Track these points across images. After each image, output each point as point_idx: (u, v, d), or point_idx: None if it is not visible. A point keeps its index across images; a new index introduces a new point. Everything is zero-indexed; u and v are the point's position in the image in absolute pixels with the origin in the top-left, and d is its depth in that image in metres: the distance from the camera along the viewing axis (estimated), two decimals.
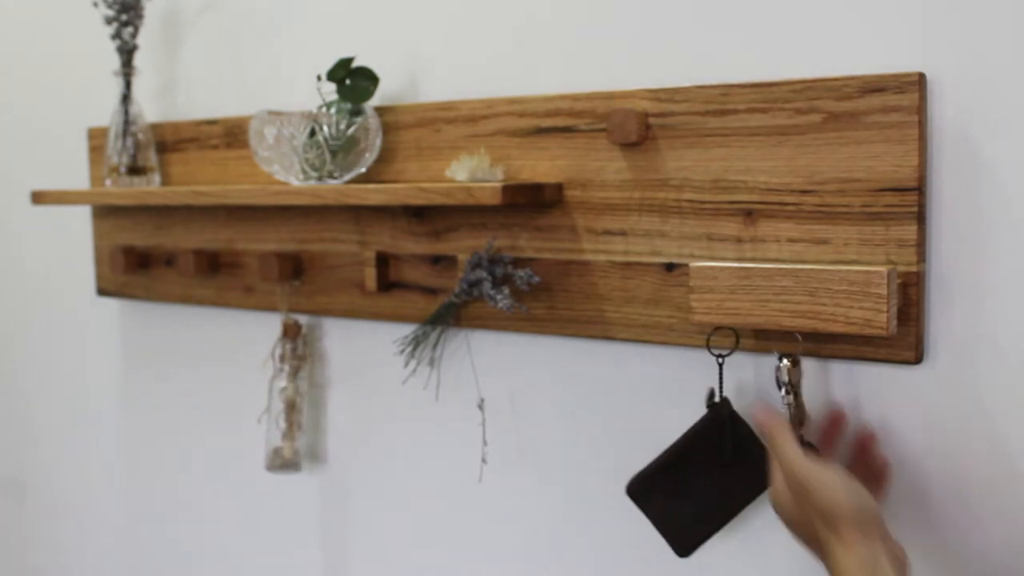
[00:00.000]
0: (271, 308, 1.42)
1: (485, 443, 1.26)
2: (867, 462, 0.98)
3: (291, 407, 1.39)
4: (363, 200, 1.17)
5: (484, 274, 1.18)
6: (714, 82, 1.05)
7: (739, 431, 1.03)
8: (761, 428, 0.97)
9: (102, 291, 1.65)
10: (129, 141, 1.49)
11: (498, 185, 1.08)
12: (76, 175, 1.69)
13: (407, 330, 1.31)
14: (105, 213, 1.62)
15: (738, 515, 1.04)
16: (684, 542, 1.05)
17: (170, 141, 1.52)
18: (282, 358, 1.39)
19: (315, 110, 1.25)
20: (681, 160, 1.07)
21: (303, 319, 1.42)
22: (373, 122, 1.24)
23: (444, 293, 1.25)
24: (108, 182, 1.50)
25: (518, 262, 1.19)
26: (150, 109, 1.56)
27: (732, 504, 1.04)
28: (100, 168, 1.61)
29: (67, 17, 1.69)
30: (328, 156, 1.23)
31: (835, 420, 1.00)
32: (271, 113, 1.25)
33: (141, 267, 1.57)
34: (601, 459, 1.18)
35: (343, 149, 1.23)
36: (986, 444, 0.95)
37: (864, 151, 0.96)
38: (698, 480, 1.04)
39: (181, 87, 1.55)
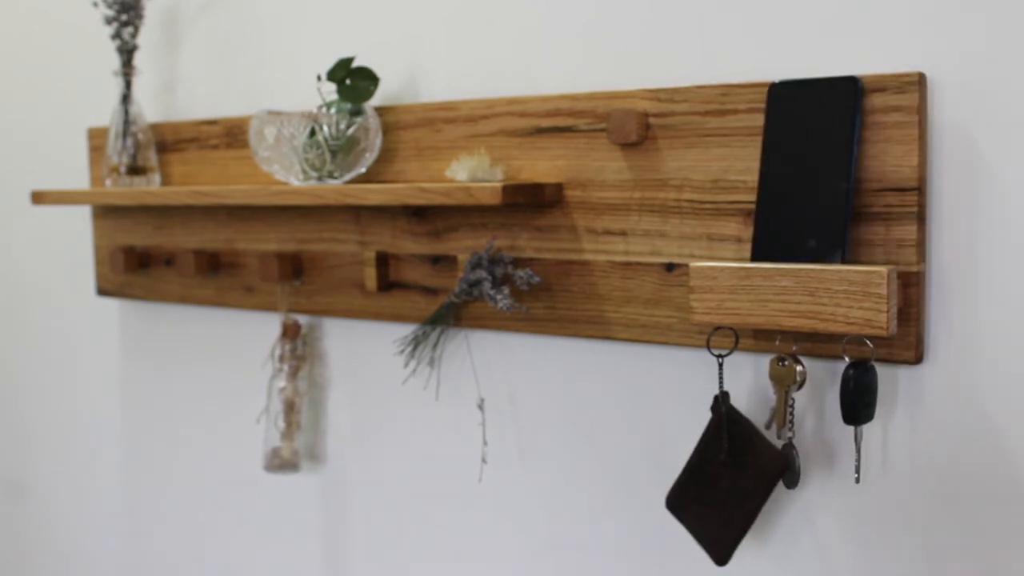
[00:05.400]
0: (271, 308, 1.42)
1: (485, 443, 1.26)
2: None
3: (290, 407, 1.39)
4: (363, 200, 1.17)
5: (484, 274, 1.18)
6: (714, 82, 1.05)
7: (735, 431, 1.02)
8: None
9: (102, 291, 1.65)
10: (129, 141, 1.49)
11: (498, 185, 1.08)
12: (76, 175, 1.70)
13: (407, 330, 1.31)
14: (105, 213, 1.62)
15: (758, 515, 1.02)
16: (719, 550, 1.03)
17: (170, 141, 1.52)
18: (281, 358, 1.39)
19: (315, 110, 1.25)
20: (681, 160, 1.07)
21: (303, 319, 1.42)
22: (373, 122, 1.24)
23: (444, 293, 1.25)
24: (108, 182, 1.50)
25: (518, 262, 1.19)
26: (150, 109, 1.57)
27: (749, 505, 1.01)
28: (100, 168, 1.61)
29: (67, 17, 1.69)
30: (328, 156, 1.23)
31: None
32: (271, 113, 1.25)
33: (141, 267, 1.57)
34: (601, 459, 1.18)
35: (343, 149, 1.23)
36: (986, 444, 0.95)
37: (864, 151, 0.96)
38: (717, 484, 1.03)
39: (181, 87, 1.55)
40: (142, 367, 1.67)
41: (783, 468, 1.00)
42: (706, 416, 1.05)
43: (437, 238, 1.25)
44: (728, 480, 1.02)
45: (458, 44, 1.25)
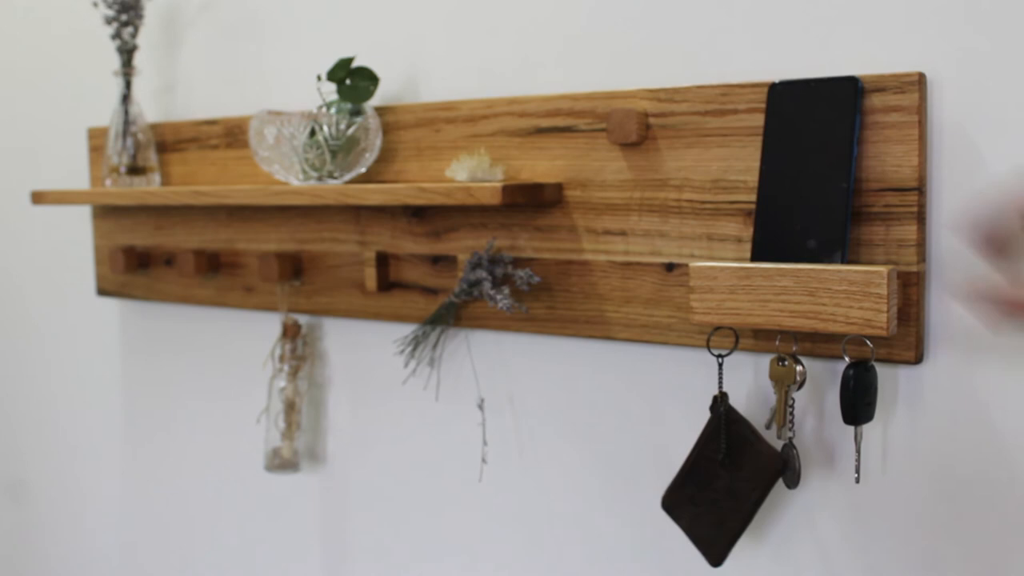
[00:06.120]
0: (271, 308, 1.42)
1: (485, 443, 1.26)
2: None
3: (290, 407, 1.39)
4: (363, 200, 1.17)
5: (484, 274, 1.18)
6: (714, 82, 1.05)
7: (734, 431, 1.02)
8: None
9: (102, 291, 1.65)
10: (129, 141, 1.49)
11: (498, 185, 1.08)
12: (76, 175, 1.69)
13: (407, 330, 1.31)
14: (105, 213, 1.62)
15: (754, 517, 1.02)
16: (713, 551, 1.03)
17: (170, 141, 1.52)
18: (281, 358, 1.39)
19: (315, 110, 1.25)
20: (681, 160, 1.07)
21: (303, 319, 1.42)
22: (373, 122, 1.24)
23: (444, 293, 1.25)
24: (108, 182, 1.50)
25: (518, 262, 1.19)
26: (150, 109, 1.56)
27: (745, 506, 1.01)
28: (100, 168, 1.61)
29: (67, 17, 1.69)
30: (328, 156, 1.23)
31: None
32: (271, 113, 1.25)
33: (141, 267, 1.57)
34: (601, 459, 1.18)
35: (343, 149, 1.23)
36: (986, 444, 0.95)
37: (864, 151, 0.96)
38: (713, 484, 1.03)
39: (181, 87, 1.55)
40: (142, 367, 1.67)
41: (781, 469, 1.00)
42: (706, 416, 1.05)
43: (437, 238, 1.25)
44: (725, 480, 1.02)
45: (458, 44, 1.25)
